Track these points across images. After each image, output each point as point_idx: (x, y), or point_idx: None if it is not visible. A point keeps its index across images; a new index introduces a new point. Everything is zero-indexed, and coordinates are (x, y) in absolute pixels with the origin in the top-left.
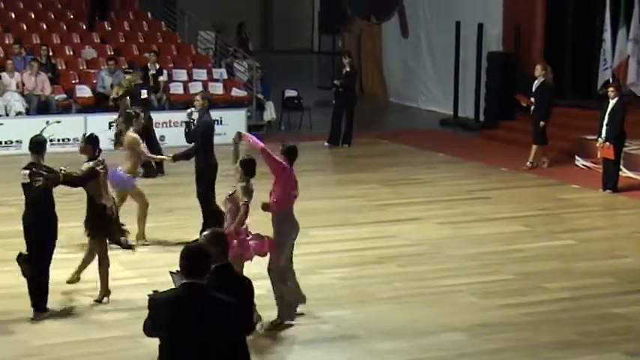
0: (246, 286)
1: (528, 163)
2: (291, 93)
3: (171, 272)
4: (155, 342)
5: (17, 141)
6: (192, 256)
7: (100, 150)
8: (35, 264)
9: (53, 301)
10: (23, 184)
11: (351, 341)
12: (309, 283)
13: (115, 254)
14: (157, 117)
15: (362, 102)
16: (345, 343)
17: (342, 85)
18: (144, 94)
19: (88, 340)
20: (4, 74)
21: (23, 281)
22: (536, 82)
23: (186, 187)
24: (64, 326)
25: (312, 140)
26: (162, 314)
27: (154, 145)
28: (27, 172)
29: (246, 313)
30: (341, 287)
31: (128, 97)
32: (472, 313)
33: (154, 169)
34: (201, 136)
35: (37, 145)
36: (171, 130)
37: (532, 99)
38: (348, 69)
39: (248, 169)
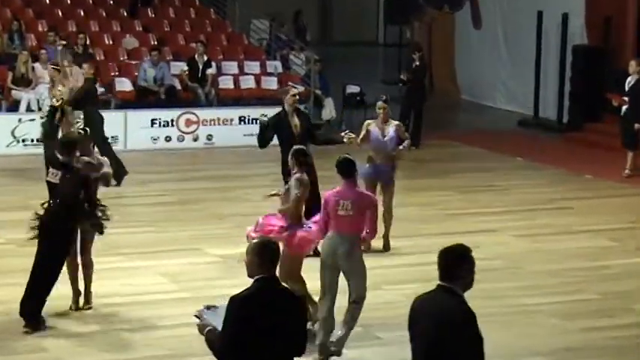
0: (297, 301)
1: (627, 170)
2: (353, 89)
3: (198, 312)
4: None
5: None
6: (265, 248)
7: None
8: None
9: (94, 315)
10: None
11: None
12: (372, 301)
13: (155, 265)
14: (204, 114)
15: (432, 99)
16: None
17: (410, 81)
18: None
19: (134, 358)
20: (37, 65)
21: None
22: (629, 79)
23: (238, 192)
24: (106, 343)
25: None
26: (241, 323)
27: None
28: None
29: (298, 331)
30: (404, 305)
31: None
32: (553, 336)
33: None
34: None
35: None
36: (219, 128)
37: (625, 98)
38: (417, 63)
39: (300, 160)
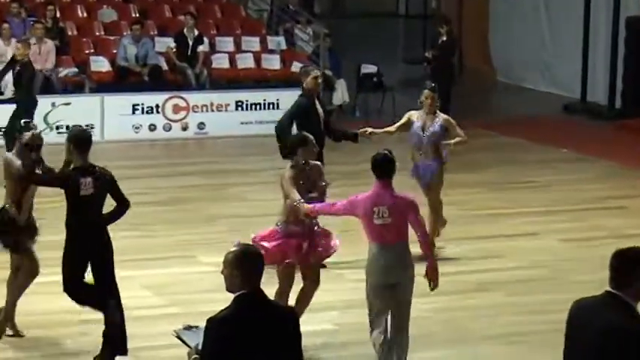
0: (290, 317)
1: None
2: (369, 69)
3: (176, 332)
4: None
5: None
6: (246, 259)
7: None
8: None
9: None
10: None
11: None
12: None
13: (138, 276)
14: (194, 99)
15: (462, 81)
16: None
17: (435, 59)
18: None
19: None
20: None
21: None
22: None
23: (234, 189)
24: None
25: None
26: (222, 344)
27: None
28: None
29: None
30: (434, 322)
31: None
32: None
33: None
34: None
35: None
36: (212, 115)
37: None
38: (444, 38)
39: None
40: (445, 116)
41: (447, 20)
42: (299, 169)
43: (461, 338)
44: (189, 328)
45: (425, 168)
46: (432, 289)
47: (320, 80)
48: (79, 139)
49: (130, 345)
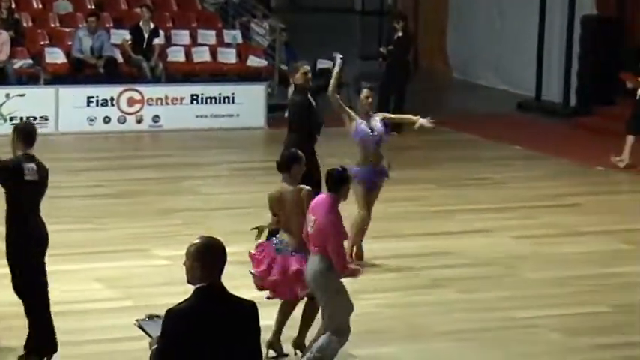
0: (249, 309)
1: (623, 159)
2: (325, 64)
3: (138, 322)
4: None
5: None
6: (207, 251)
7: None
8: None
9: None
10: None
11: None
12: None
13: (90, 268)
14: (149, 91)
15: (417, 78)
16: None
17: (390, 55)
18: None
19: None
20: None
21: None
22: None
23: (188, 183)
24: None
25: None
26: (178, 338)
27: None
28: None
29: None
30: (386, 318)
31: None
32: (555, 354)
33: None
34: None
35: None
36: (167, 108)
37: None
38: (400, 34)
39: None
40: (380, 114)
41: (402, 16)
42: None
43: (412, 334)
44: (151, 317)
45: (382, 172)
46: None
47: (309, 75)
48: (25, 131)
49: (81, 337)
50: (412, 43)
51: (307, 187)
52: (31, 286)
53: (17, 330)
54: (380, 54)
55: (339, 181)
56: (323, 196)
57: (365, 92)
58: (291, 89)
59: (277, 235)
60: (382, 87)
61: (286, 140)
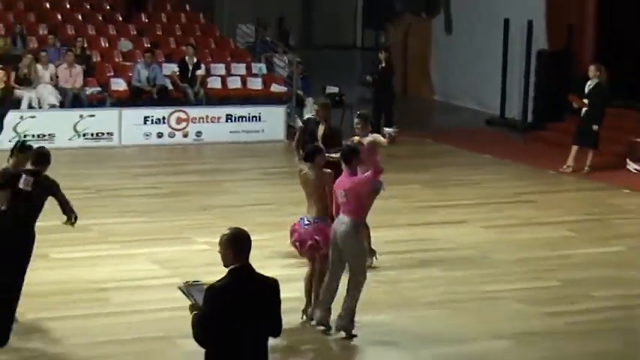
0: (273, 286)
1: (569, 166)
2: (332, 89)
3: (180, 287)
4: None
5: (50, 134)
6: (237, 240)
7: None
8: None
9: (88, 300)
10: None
11: (390, 348)
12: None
13: (147, 252)
14: (193, 112)
15: (406, 100)
16: (383, 349)
17: (376, 82)
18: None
19: (126, 340)
20: (38, 66)
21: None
22: (589, 82)
23: (224, 185)
24: (99, 326)
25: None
26: (218, 306)
27: None
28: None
29: (274, 314)
30: (380, 291)
31: None
32: (517, 320)
33: None
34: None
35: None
36: (207, 125)
37: (585, 100)
38: (383, 65)
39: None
40: (371, 136)
41: (385, 49)
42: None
43: (403, 304)
44: (193, 284)
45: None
46: None
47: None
48: (37, 152)
49: (137, 307)
50: (394, 71)
51: (329, 170)
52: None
53: None
54: (366, 81)
55: (349, 153)
56: (343, 173)
57: (355, 121)
58: (305, 110)
59: (302, 217)
60: (374, 109)
61: None
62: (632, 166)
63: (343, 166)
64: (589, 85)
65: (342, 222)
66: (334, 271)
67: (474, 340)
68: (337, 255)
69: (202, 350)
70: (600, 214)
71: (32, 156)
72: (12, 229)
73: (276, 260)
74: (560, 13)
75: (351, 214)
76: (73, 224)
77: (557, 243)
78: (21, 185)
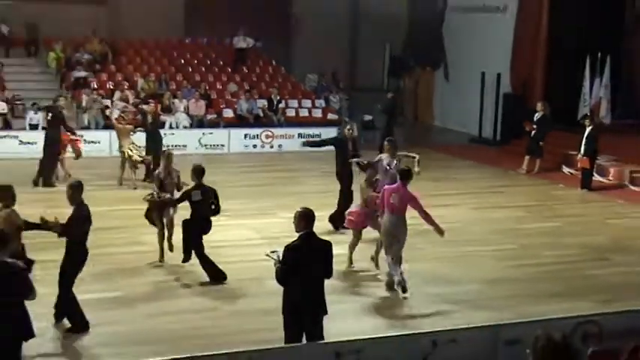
0: (328, 246)
1: (524, 169)
2: (367, 117)
3: (267, 254)
4: (273, 283)
5: (183, 145)
6: (306, 215)
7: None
8: None
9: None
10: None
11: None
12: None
13: (245, 223)
14: (277, 131)
15: (416, 125)
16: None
17: (384, 110)
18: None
19: (232, 280)
20: (176, 100)
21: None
22: (537, 114)
23: (297, 179)
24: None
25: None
26: (294, 259)
27: None
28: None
29: (328, 264)
30: None
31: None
32: (488, 271)
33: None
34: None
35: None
36: (286, 140)
37: (534, 126)
38: (390, 97)
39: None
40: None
41: (393, 91)
42: None
43: (413, 259)
44: (274, 251)
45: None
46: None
47: (351, 132)
48: (197, 169)
49: (240, 258)
50: (396, 103)
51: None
52: None
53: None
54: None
55: (405, 174)
56: (399, 184)
57: (385, 144)
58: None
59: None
60: (385, 132)
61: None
62: (565, 169)
63: (400, 180)
64: (537, 116)
65: (393, 218)
66: (392, 248)
67: (459, 284)
68: (393, 238)
69: (281, 288)
70: (545, 201)
71: (197, 172)
72: (207, 219)
73: (332, 230)
74: (519, 69)
75: (399, 213)
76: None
77: (517, 219)
78: (194, 198)
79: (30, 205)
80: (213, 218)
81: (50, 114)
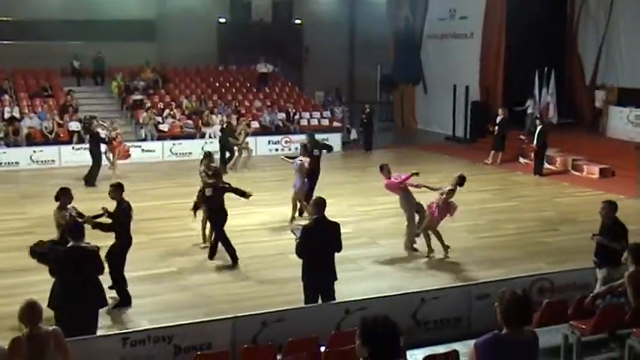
0: (337, 226)
1: (489, 161)
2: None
3: (292, 230)
4: (294, 257)
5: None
6: (320, 203)
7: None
8: None
9: (241, 236)
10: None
11: (399, 257)
12: (378, 225)
13: (271, 210)
14: (294, 137)
15: (403, 129)
16: (396, 258)
17: (367, 117)
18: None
19: (256, 255)
20: (212, 116)
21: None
22: (498, 117)
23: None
24: (245, 249)
25: (377, 149)
26: (309, 237)
27: None
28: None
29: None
30: (392, 228)
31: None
32: (463, 241)
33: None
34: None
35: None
36: (299, 144)
37: (496, 127)
38: (367, 110)
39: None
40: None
41: (369, 107)
42: None
43: (400, 234)
44: (296, 227)
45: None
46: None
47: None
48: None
49: (267, 238)
50: (373, 114)
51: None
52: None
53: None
54: (362, 119)
55: (381, 169)
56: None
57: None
58: (351, 134)
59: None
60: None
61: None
62: (522, 160)
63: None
64: (498, 119)
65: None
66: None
67: (439, 252)
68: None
69: (300, 261)
70: (506, 185)
71: (214, 173)
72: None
73: (344, 212)
74: (484, 81)
75: (398, 194)
76: (249, 196)
77: (484, 200)
78: (207, 194)
79: (88, 201)
80: (249, 205)
81: (88, 135)
